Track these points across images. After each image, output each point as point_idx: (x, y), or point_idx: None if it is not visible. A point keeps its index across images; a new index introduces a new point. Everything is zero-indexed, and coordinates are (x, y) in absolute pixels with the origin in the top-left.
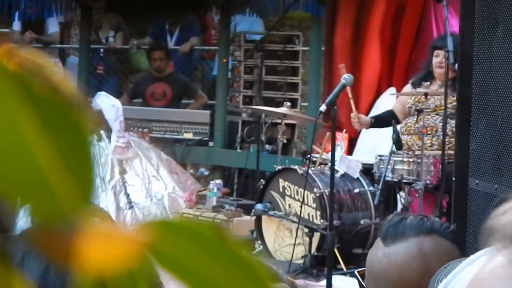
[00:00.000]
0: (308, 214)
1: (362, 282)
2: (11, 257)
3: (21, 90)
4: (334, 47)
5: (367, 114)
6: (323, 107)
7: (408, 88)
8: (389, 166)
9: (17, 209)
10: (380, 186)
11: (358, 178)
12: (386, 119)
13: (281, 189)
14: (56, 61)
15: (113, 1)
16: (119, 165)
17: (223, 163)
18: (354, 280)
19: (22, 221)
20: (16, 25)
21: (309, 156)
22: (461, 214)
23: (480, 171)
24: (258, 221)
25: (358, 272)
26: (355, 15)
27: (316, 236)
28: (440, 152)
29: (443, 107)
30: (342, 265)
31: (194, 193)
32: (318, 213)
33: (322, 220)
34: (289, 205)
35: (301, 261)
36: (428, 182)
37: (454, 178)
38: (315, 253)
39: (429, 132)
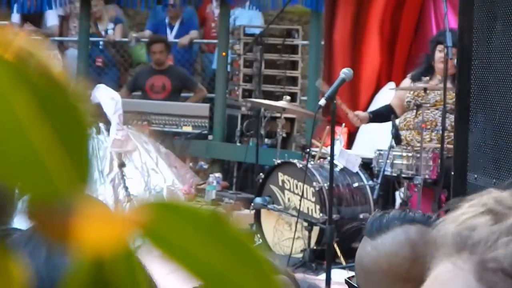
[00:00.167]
0: (307, 208)
1: (354, 284)
2: (8, 242)
3: (17, 74)
4: (333, 42)
5: (366, 108)
6: (322, 101)
7: (406, 81)
8: (388, 161)
9: (15, 194)
10: (379, 181)
11: (357, 172)
12: (384, 114)
13: (280, 183)
14: (55, 53)
15: None
16: (118, 158)
17: (223, 156)
18: (353, 274)
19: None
20: (15, 18)
21: (308, 150)
22: None
23: (478, 166)
24: (257, 215)
25: (348, 278)
26: (355, 10)
27: (315, 230)
28: (438, 145)
29: (443, 102)
30: (341, 259)
31: (193, 186)
32: (317, 207)
33: (321, 214)
34: (289, 199)
35: (300, 255)
36: (427, 176)
37: (452, 173)
38: (314, 247)
39: (429, 127)
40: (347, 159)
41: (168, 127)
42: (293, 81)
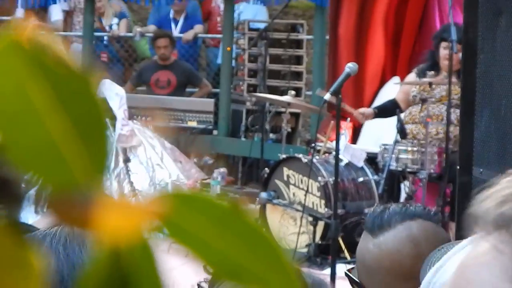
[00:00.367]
0: (312, 203)
1: (354, 278)
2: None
3: (33, 62)
4: (338, 37)
5: (371, 102)
6: (327, 96)
7: (412, 76)
8: (393, 155)
9: (29, 181)
10: (384, 175)
11: (362, 167)
12: (389, 109)
13: (285, 178)
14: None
15: None
16: (123, 153)
17: (227, 151)
18: (353, 266)
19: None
20: (20, 13)
21: (313, 145)
22: (465, 202)
23: (484, 160)
24: (263, 210)
25: (348, 270)
26: (359, 4)
27: (320, 224)
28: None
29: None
30: (346, 254)
31: (198, 181)
32: (322, 201)
33: (326, 209)
34: (294, 194)
35: (305, 250)
36: (432, 171)
37: (458, 167)
38: (319, 242)
39: (434, 121)
40: (352, 153)
41: (173, 122)
42: (297, 75)
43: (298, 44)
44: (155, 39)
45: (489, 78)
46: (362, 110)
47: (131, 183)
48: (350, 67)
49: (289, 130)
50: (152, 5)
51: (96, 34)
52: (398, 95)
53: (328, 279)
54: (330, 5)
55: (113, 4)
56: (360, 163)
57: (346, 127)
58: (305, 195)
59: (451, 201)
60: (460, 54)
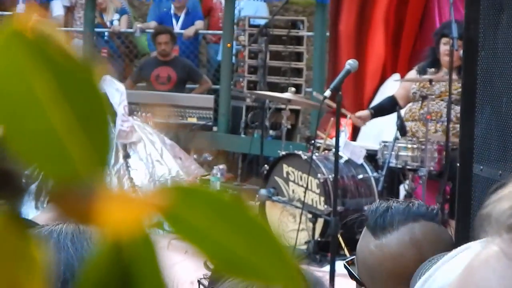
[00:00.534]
0: (312, 200)
1: (353, 272)
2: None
3: (36, 53)
4: (338, 33)
5: (371, 100)
6: (327, 93)
7: (413, 73)
8: (393, 152)
9: (31, 174)
10: (384, 172)
11: (362, 164)
12: (387, 107)
13: (285, 175)
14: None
15: None
16: (123, 149)
17: (227, 148)
18: (351, 257)
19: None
20: (21, 8)
21: (313, 141)
22: (465, 200)
23: (484, 157)
24: (262, 207)
25: (346, 262)
26: (360, 2)
27: (320, 222)
28: (444, 137)
29: (448, 93)
30: (346, 251)
31: (198, 178)
32: (322, 198)
33: (325, 206)
34: (293, 191)
35: (305, 247)
36: (432, 168)
37: (458, 164)
38: (319, 239)
39: (434, 118)
40: (352, 150)
41: (173, 119)
42: (298, 72)
43: (298, 40)
44: (156, 35)
45: (490, 75)
46: (359, 114)
47: (131, 179)
48: (350, 64)
49: (289, 127)
50: (153, 1)
51: (97, 30)
52: (399, 92)
53: (327, 276)
54: (330, 2)
55: (114, 0)
56: (360, 160)
57: (346, 124)
58: (305, 192)
59: (451, 199)
60: (461, 51)
